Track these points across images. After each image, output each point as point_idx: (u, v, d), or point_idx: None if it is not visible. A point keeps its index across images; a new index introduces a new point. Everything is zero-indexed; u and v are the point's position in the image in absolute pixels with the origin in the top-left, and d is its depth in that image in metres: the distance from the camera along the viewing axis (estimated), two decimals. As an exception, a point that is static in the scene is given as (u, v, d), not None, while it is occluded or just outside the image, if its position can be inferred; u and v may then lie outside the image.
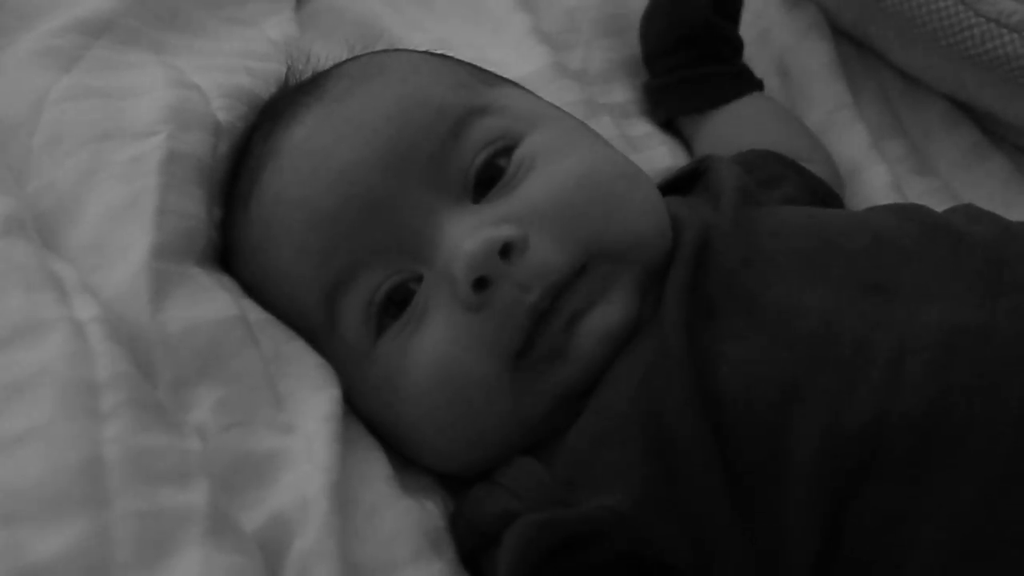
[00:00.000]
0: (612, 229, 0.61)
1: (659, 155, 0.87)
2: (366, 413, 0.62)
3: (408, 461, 0.63)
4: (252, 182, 0.65)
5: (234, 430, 0.56)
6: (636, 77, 0.94)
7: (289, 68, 0.75)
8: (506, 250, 0.58)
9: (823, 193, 0.79)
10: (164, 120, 0.66)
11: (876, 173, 0.86)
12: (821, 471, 0.53)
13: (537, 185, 0.62)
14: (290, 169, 0.63)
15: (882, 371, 0.54)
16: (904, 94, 0.95)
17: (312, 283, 0.62)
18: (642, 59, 0.93)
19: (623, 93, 0.92)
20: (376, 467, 0.59)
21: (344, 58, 0.72)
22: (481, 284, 0.58)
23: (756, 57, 0.93)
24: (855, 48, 0.97)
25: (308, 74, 0.73)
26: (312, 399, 0.59)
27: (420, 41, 0.84)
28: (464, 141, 0.63)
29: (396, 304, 0.61)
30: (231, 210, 0.67)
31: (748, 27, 0.94)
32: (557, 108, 0.71)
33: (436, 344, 0.59)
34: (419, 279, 0.61)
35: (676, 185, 0.74)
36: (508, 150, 0.63)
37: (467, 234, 0.59)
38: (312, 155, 0.63)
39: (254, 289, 0.65)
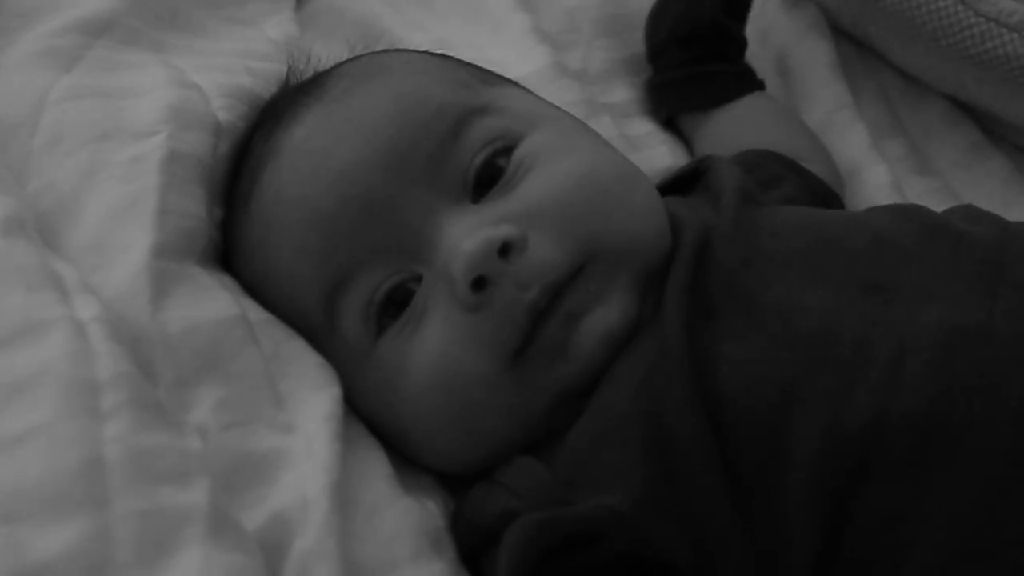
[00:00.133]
0: (611, 229, 0.61)
1: (659, 155, 0.87)
2: (366, 413, 0.62)
3: (408, 461, 0.63)
4: (252, 182, 0.66)
5: (234, 429, 0.56)
6: (636, 77, 0.94)
7: (290, 68, 0.75)
8: (505, 249, 0.58)
9: (823, 193, 0.79)
10: (165, 120, 0.66)
11: (876, 173, 0.86)
12: (821, 471, 0.53)
13: (536, 185, 0.62)
14: (290, 169, 0.63)
15: (882, 371, 0.54)
16: (904, 94, 0.95)
17: (312, 283, 0.62)
18: (646, 55, 0.93)
19: (623, 93, 0.92)
20: (376, 466, 0.59)
21: (344, 58, 0.72)
22: (480, 284, 0.58)
23: (756, 57, 0.93)
24: (855, 48, 0.97)
25: (308, 74, 0.73)
26: (312, 399, 0.59)
27: (420, 41, 0.84)
28: (464, 141, 0.63)
29: (396, 304, 0.61)
30: (232, 210, 0.67)
31: (748, 27, 0.94)
32: (557, 108, 0.71)
33: (435, 344, 0.59)
34: (419, 279, 0.61)
35: (676, 185, 0.74)
36: (508, 150, 0.63)
37: (466, 234, 0.59)
38: (312, 155, 0.63)
39: (255, 289, 0.65)
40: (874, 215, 0.66)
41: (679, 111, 0.91)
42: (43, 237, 0.61)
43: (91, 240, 0.62)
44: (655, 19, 0.92)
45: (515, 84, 0.73)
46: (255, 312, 0.62)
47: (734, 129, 0.87)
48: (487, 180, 0.62)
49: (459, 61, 0.71)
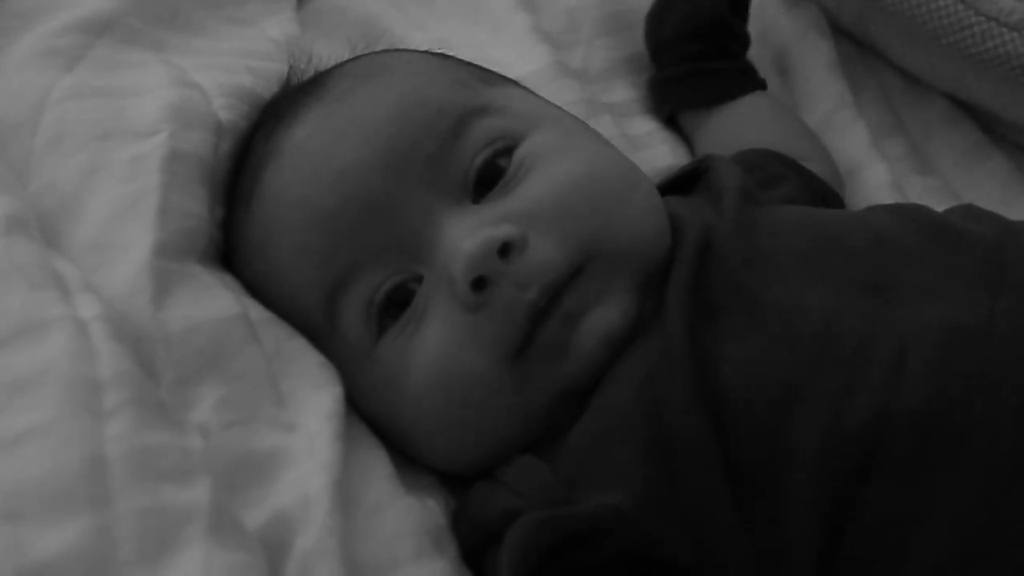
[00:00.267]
0: (611, 230, 0.61)
1: (660, 154, 0.87)
2: (367, 412, 0.63)
3: (409, 460, 0.63)
4: (254, 181, 0.66)
5: (236, 428, 0.56)
6: (637, 76, 0.94)
7: (291, 67, 0.75)
8: (505, 249, 0.58)
9: (823, 192, 0.79)
10: (166, 119, 0.66)
11: (876, 172, 0.86)
12: (822, 471, 0.53)
13: (537, 185, 0.62)
14: (291, 169, 0.63)
15: (883, 371, 0.54)
16: (904, 93, 0.95)
17: (313, 283, 0.62)
18: (650, 52, 0.93)
19: (624, 92, 0.92)
20: (378, 465, 0.59)
21: (345, 57, 0.72)
22: (480, 284, 0.58)
23: (756, 56, 0.93)
24: (855, 47, 0.97)
25: (310, 73, 0.73)
26: (314, 397, 0.59)
27: (421, 40, 0.84)
28: (464, 141, 0.63)
29: (396, 304, 0.61)
30: (233, 209, 0.67)
31: (748, 26, 0.94)
32: (558, 108, 0.71)
33: (436, 344, 0.60)
34: (419, 279, 0.61)
35: (677, 185, 0.74)
36: (508, 150, 0.63)
37: (466, 234, 0.59)
38: (313, 155, 0.63)
39: (256, 288, 0.65)
40: (875, 214, 0.66)
41: (682, 108, 0.91)
42: (44, 236, 0.61)
43: (92, 239, 0.62)
44: (657, 17, 0.92)
45: (516, 84, 0.73)
46: (256, 311, 0.62)
47: (736, 128, 0.87)
48: (488, 180, 0.62)
49: (460, 61, 0.71)
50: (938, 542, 0.52)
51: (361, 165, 0.61)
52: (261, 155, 0.66)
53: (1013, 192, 0.87)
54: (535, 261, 0.59)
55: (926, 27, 0.86)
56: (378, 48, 0.74)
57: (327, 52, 0.75)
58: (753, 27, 0.93)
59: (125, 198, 0.63)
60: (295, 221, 0.62)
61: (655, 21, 0.92)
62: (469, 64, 0.71)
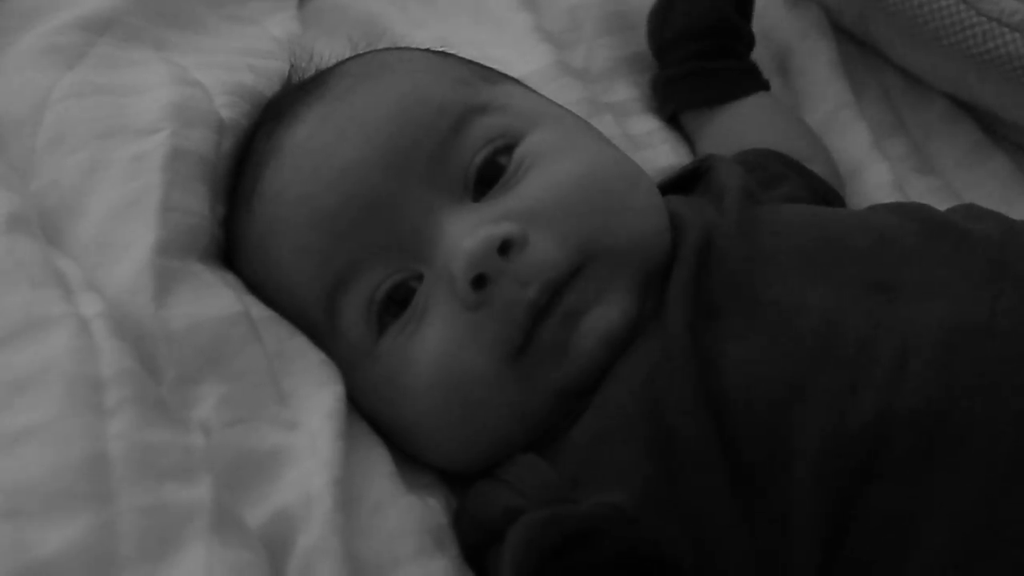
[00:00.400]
0: (611, 229, 0.61)
1: (661, 153, 0.87)
2: (368, 411, 0.63)
3: (410, 458, 0.63)
4: (255, 180, 0.66)
5: (237, 427, 0.56)
6: (638, 75, 0.94)
7: (292, 66, 0.75)
8: (505, 247, 0.58)
9: (825, 193, 0.79)
10: (167, 117, 0.66)
11: (877, 172, 0.86)
12: (824, 471, 0.53)
13: (537, 183, 0.62)
14: (292, 167, 0.63)
15: (885, 370, 0.54)
16: (905, 93, 0.95)
17: (313, 282, 0.62)
18: (652, 51, 0.93)
19: (625, 91, 0.92)
20: (379, 464, 0.59)
21: (347, 56, 0.72)
22: (480, 282, 0.58)
23: (757, 56, 0.93)
24: (856, 47, 0.97)
25: (311, 72, 0.73)
26: (315, 396, 0.59)
27: (422, 39, 0.84)
28: (464, 139, 0.63)
29: (397, 303, 0.61)
30: (234, 208, 0.67)
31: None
32: (559, 106, 0.71)
33: (437, 342, 0.60)
34: (420, 278, 0.61)
35: (678, 184, 0.74)
36: (509, 148, 0.63)
37: (466, 232, 0.59)
38: (313, 154, 0.63)
39: (257, 286, 0.65)
40: (876, 213, 0.66)
41: (685, 107, 0.91)
42: (46, 234, 0.61)
43: (94, 237, 0.62)
44: (660, 15, 0.92)
45: (517, 82, 0.73)
46: (258, 309, 0.62)
47: (738, 128, 0.87)
48: (488, 178, 0.62)
49: (461, 59, 0.71)
50: (939, 542, 0.52)
51: (361, 164, 0.61)
52: (262, 154, 0.66)
53: (1014, 192, 0.87)
54: (535, 259, 0.59)
55: (927, 27, 0.86)
56: (379, 46, 0.74)
57: (328, 50, 0.75)
58: (754, 27, 0.93)
59: (127, 196, 0.63)
60: (296, 220, 0.62)
61: (658, 19, 0.92)
62: (470, 62, 0.71)
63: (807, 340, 0.56)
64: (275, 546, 0.52)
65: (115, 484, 0.49)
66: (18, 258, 0.58)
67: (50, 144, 0.66)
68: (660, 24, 0.92)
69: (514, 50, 0.89)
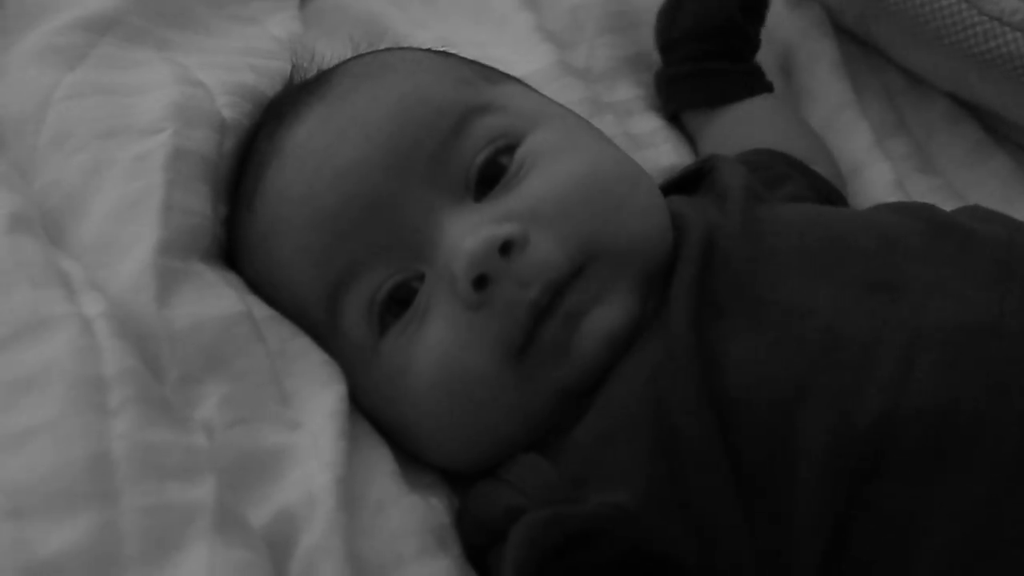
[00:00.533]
0: (612, 229, 0.61)
1: (663, 153, 0.87)
2: (371, 410, 0.63)
3: (413, 458, 0.63)
4: (256, 180, 0.66)
5: (240, 426, 0.56)
6: (640, 75, 0.94)
7: (293, 66, 0.75)
8: (506, 248, 0.58)
9: (828, 193, 0.79)
10: (169, 117, 0.66)
11: (879, 171, 0.86)
12: (828, 471, 0.53)
13: (538, 183, 0.62)
14: (293, 168, 0.63)
15: (890, 370, 0.54)
16: (907, 92, 0.95)
17: (315, 282, 0.62)
18: (659, 47, 0.93)
19: (627, 91, 0.92)
20: (382, 463, 0.59)
21: (348, 56, 0.72)
22: (481, 282, 0.58)
23: (759, 55, 0.93)
24: (858, 46, 0.97)
25: (312, 72, 0.73)
26: (318, 396, 0.59)
27: (423, 39, 0.84)
28: (466, 139, 0.63)
29: (398, 303, 0.61)
30: (236, 208, 0.67)
31: (752, 27, 0.94)
32: (560, 106, 0.71)
33: (438, 342, 0.60)
34: (421, 278, 0.61)
35: (681, 184, 0.74)
36: (510, 148, 0.63)
37: (468, 232, 0.59)
38: (314, 154, 0.63)
39: (259, 286, 0.65)
40: (880, 213, 0.66)
41: (686, 106, 0.91)
42: (49, 234, 0.61)
43: (97, 237, 0.62)
44: (668, 15, 0.92)
45: (518, 82, 0.72)
46: (260, 309, 0.62)
47: (739, 128, 0.87)
48: (489, 178, 0.62)
49: (462, 59, 0.71)
50: (942, 542, 0.52)
51: (362, 164, 0.61)
52: (264, 154, 0.66)
53: (1015, 191, 0.87)
54: (536, 259, 0.59)
55: (929, 26, 0.86)
56: (380, 46, 0.74)
57: (330, 50, 0.75)
58: (756, 27, 0.93)
59: (129, 196, 0.63)
60: (297, 220, 0.62)
61: (666, 19, 0.92)
62: (471, 62, 0.71)
63: (811, 340, 0.56)
64: (277, 546, 0.52)
65: (118, 484, 0.49)
66: (20, 258, 0.58)
67: (52, 144, 0.66)
68: (668, 23, 0.92)
69: (515, 50, 0.89)
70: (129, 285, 0.59)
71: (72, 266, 0.59)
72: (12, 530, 0.47)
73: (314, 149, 0.63)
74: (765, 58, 0.94)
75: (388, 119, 0.62)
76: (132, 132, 0.66)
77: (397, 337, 0.61)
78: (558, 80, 0.86)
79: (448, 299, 0.60)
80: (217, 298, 0.61)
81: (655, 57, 0.94)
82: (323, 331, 0.63)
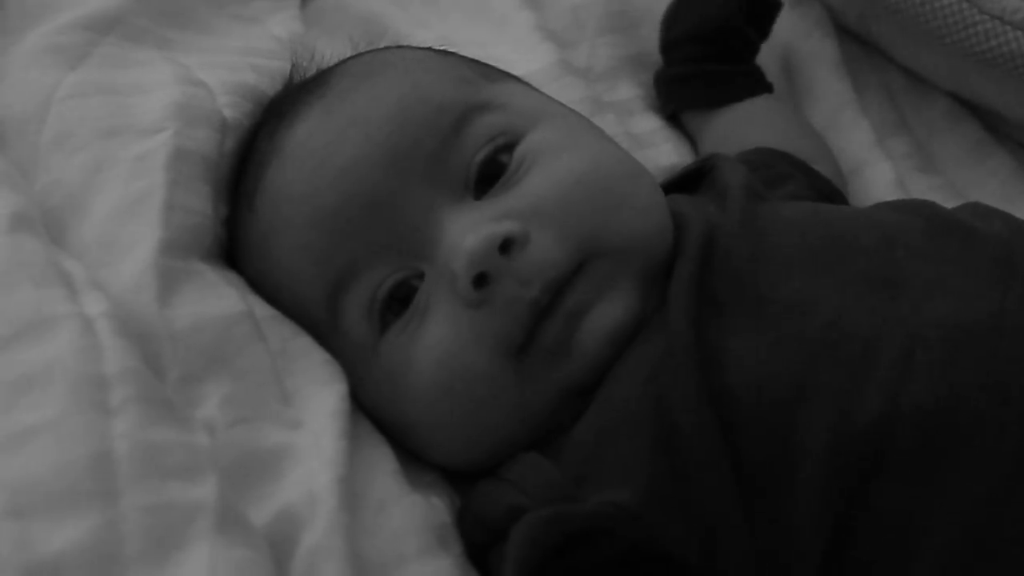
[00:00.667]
0: (612, 227, 0.61)
1: (663, 152, 0.87)
2: (371, 409, 0.63)
3: (414, 457, 0.63)
4: (257, 180, 0.66)
5: (242, 426, 0.56)
6: (641, 74, 0.94)
7: (294, 65, 0.75)
8: (506, 246, 0.58)
9: (829, 192, 0.79)
10: (171, 117, 0.66)
11: (880, 170, 0.86)
12: (829, 469, 0.53)
13: (538, 181, 0.62)
14: (293, 167, 0.63)
15: (891, 368, 0.54)
16: (908, 91, 0.95)
17: (315, 280, 0.62)
18: (660, 46, 0.93)
19: (628, 90, 0.92)
20: (383, 462, 0.59)
21: (348, 55, 0.72)
22: (481, 280, 0.58)
23: (760, 54, 0.93)
24: (859, 46, 0.97)
25: (312, 71, 0.73)
26: (319, 395, 0.59)
27: (424, 38, 0.84)
28: (465, 138, 0.63)
29: (399, 301, 0.61)
30: (236, 208, 0.67)
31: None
32: (560, 104, 0.71)
33: (438, 341, 0.60)
34: (421, 276, 0.61)
35: (682, 183, 0.74)
36: (510, 146, 0.63)
37: (468, 230, 0.59)
38: (314, 153, 0.63)
39: (259, 285, 0.65)
40: (881, 211, 0.66)
41: (685, 107, 0.91)
42: (50, 234, 0.62)
43: (98, 237, 0.62)
44: (672, 16, 0.92)
45: (518, 80, 0.72)
46: (261, 308, 0.62)
47: (739, 128, 0.87)
48: (489, 177, 0.62)
49: (462, 57, 0.71)
50: (942, 542, 0.52)
51: (362, 162, 0.61)
52: (264, 153, 0.66)
53: (1016, 190, 0.87)
54: (537, 258, 0.59)
55: (929, 26, 0.86)
56: (380, 46, 0.74)
57: (330, 50, 0.75)
58: (756, 26, 0.93)
59: (130, 196, 0.63)
60: (297, 219, 0.62)
61: (670, 20, 0.92)
62: (471, 61, 0.71)
63: (812, 338, 0.56)
64: (279, 545, 0.52)
65: (120, 483, 0.49)
66: (22, 257, 0.58)
67: (54, 143, 0.66)
68: (670, 24, 0.92)
69: (516, 49, 0.89)
70: (130, 285, 0.59)
71: (73, 266, 0.59)
72: (14, 529, 0.47)
73: (314, 148, 0.63)
74: (766, 58, 0.94)
75: (388, 118, 0.62)
76: (133, 132, 0.66)
77: (397, 336, 0.61)
78: (559, 79, 0.86)
79: (448, 297, 0.60)
80: (218, 298, 0.61)
81: (656, 57, 0.94)
82: (324, 330, 0.63)
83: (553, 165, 0.62)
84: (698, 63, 0.90)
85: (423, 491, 0.60)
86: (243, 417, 0.57)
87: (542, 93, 0.72)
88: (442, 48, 0.72)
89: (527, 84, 0.73)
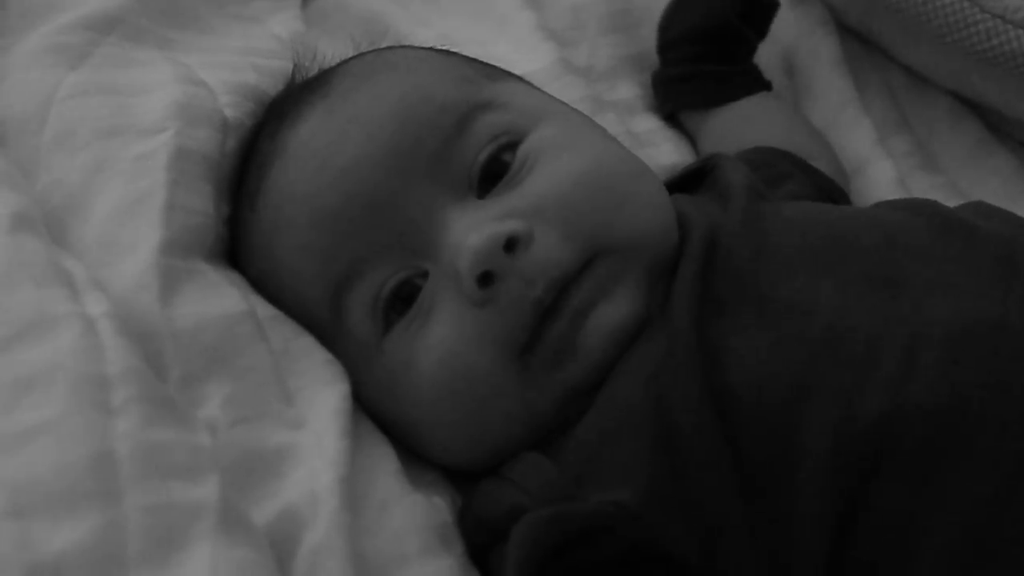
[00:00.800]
0: (617, 225, 0.61)
1: (664, 151, 0.87)
2: (374, 408, 0.63)
3: (415, 456, 0.63)
4: (259, 180, 0.66)
5: (244, 425, 0.56)
6: (642, 74, 0.94)
7: (295, 65, 0.75)
8: (511, 244, 0.58)
9: (830, 190, 0.79)
10: (172, 116, 0.66)
11: (882, 169, 0.86)
12: (831, 468, 0.53)
13: (542, 180, 0.62)
14: (295, 167, 0.64)
15: (893, 367, 0.54)
16: (909, 90, 0.95)
17: (318, 280, 0.62)
18: (657, 46, 0.93)
19: (628, 89, 0.92)
20: (385, 462, 0.59)
21: (350, 55, 0.72)
22: (486, 279, 0.58)
23: (762, 53, 0.93)
24: (860, 44, 0.97)
25: (314, 71, 0.73)
26: (321, 395, 0.59)
27: (425, 37, 0.85)
28: (468, 137, 0.63)
29: (402, 300, 0.61)
30: (239, 208, 0.67)
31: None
32: (563, 103, 0.71)
33: (442, 340, 0.60)
34: (424, 275, 0.61)
35: (683, 183, 0.74)
36: (513, 145, 0.63)
37: (471, 229, 0.59)
38: (317, 153, 0.63)
39: (261, 285, 0.65)
40: (883, 210, 0.66)
41: (682, 107, 0.91)
42: (52, 234, 0.62)
43: (99, 237, 0.62)
44: (670, 16, 0.92)
45: (520, 79, 0.72)
46: (263, 308, 0.62)
47: (737, 127, 0.87)
48: (492, 176, 0.62)
49: (464, 57, 0.71)
50: (943, 542, 0.52)
51: (364, 162, 0.61)
52: (266, 153, 0.66)
53: (1018, 189, 0.87)
54: (541, 257, 0.59)
55: (931, 24, 0.86)
56: (382, 45, 0.74)
57: (331, 49, 0.75)
58: (758, 25, 0.93)
59: (131, 195, 0.63)
60: (299, 219, 0.62)
61: (667, 20, 0.92)
62: (473, 60, 0.71)
63: (813, 338, 0.56)
64: (281, 544, 0.52)
65: (121, 483, 0.49)
66: (23, 257, 0.58)
67: (55, 143, 0.66)
68: (668, 24, 0.92)
69: (517, 48, 0.89)
70: (132, 284, 0.59)
71: (75, 265, 0.59)
72: (15, 529, 0.47)
73: (316, 148, 0.63)
74: (767, 57, 0.94)
75: (390, 117, 0.62)
76: (134, 131, 0.66)
77: (401, 335, 0.61)
78: (560, 79, 0.86)
79: (452, 296, 0.60)
80: (220, 297, 0.61)
81: (657, 57, 0.94)
82: (327, 330, 0.63)
83: (556, 164, 0.62)
84: (695, 63, 0.90)
85: (425, 490, 0.60)
86: (245, 417, 0.57)
87: (544, 92, 0.72)
88: (443, 47, 0.72)
89: (529, 83, 0.73)
